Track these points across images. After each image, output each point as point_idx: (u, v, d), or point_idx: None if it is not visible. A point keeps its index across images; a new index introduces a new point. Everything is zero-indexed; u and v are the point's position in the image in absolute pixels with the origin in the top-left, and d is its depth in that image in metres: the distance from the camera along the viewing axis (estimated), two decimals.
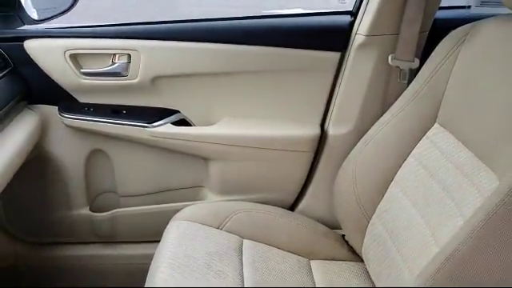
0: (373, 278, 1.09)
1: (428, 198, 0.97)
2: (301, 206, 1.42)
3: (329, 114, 1.35)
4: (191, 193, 1.47)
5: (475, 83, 0.97)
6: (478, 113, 0.93)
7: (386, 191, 1.10)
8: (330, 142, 1.34)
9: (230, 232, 1.20)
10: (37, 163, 1.38)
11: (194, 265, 1.05)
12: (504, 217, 0.73)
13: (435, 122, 1.06)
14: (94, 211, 1.48)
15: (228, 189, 1.42)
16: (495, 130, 0.87)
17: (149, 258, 1.14)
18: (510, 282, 0.73)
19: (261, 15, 1.36)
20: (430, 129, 1.07)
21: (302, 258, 1.19)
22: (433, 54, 1.10)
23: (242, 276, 1.06)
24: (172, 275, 1.02)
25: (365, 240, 1.14)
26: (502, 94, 0.88)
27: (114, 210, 1.47)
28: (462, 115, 0.98)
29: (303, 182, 1.41)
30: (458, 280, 0.74)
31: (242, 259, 1.12)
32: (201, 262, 1.07)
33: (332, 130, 1.34)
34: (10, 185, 1.16)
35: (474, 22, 1.04)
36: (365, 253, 1.14)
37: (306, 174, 1.40)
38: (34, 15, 1.40)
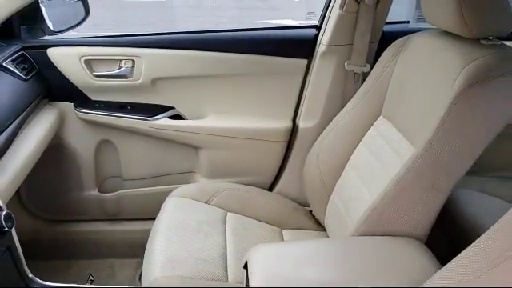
0: None
1: (371, 174, 1.21)
2: (277, 187, 1.64)
3: (299, 110, 1.58)
4: (184, 177, 1.68)
5: (407, 84, 1.21)
6: (408, 106, 1.18)
7: (342, 172, 1.33)
8: (300, 133, 1.57)
9: (216, 206, 1.41)
10: (55, 151, 1.58)
11: (186, 228, 1.27)
12: (412, 178, 0.99)
13: (380, 114, 1.29)
14: (102, 192, 1.68)
15: (215, 173, 1.63)
16: (417, 118, 1.11)
17: (148, 232, 1.33)
18: (415, 222, 0.99)
19: (242, 28, 1.60)
20: (376, 120, 1.30)
21: (275, 227, 1.41)
22: (378, 60, 1.34)
23: (225, 238, 1.29)
24: (169, 235, 1.24)
25: (326, 212, 1.37)
26: (422, 92, 1.13)
27: (119, 192, 1.68)
28: (398, 109, 1.23)
29: (279, 166, 1.63)
30: (379, 224, 1.00)
31: (225, 226, 1.34)
32: (192, 226, 1.29)
33: (302, 123, 1.57)
34: (32, 169, 1.35)
35: (408, 35, 1.28)
36: (326, 222, 1.38)
37: (281, 160, 1.62)
38: (51, 26, 1.63)
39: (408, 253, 0.94)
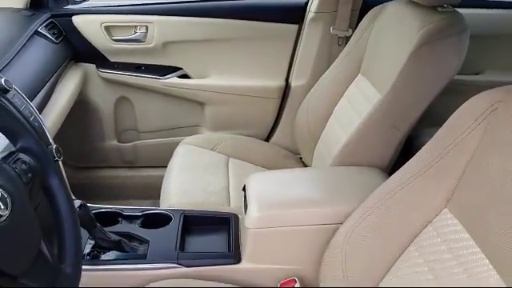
0: None
1: (349, 122, 1.42)
2: (273, 138, 1.87)
3: (291, 70, 1.79)
4: (191, 130, 1.91)
5: (380, 45, 1.43)
6: (379, 64, 1.40)
7: (327, 122, 1.55)
8: (292, 91, 1.79)
9: (220, 153, 1.64)
10: (79, 106, 1.77)
11: (195, 168, 1.52)
12: (375, 118, 1.23)
13: (359, 72, 1.51)
14: (120, 142, 1.91)
15: (218, 126, 1.86)
16: (384, 72, 1.33)
17: (161, 177, 1.53)
18: (378, 154, 1.23)
19: None
20: (355, 77, 1.51)
21: (269, 170, 1.64)
22: (359, 25, 1.54)
23: (228, 176, 1.53)
24: (181, 173, 1.49)
25: (313, 158, 1.60)
26: (390, 51, 1.35)
27: (135, 142, 1.91)
28: (372, 67, 1.45)
29: (274, 120, 1.86)
30: (349, 156, 1.25)
31: (228, 168, 1.58)
32: (200, 167, 1.53)
33: (293, 82, 1.79)
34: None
35: (383, 4, 1.48)
36: (313, 166, 1.60)
37: (276, 115, 1.85)
38: None
39: (368, 177, 1.19)
